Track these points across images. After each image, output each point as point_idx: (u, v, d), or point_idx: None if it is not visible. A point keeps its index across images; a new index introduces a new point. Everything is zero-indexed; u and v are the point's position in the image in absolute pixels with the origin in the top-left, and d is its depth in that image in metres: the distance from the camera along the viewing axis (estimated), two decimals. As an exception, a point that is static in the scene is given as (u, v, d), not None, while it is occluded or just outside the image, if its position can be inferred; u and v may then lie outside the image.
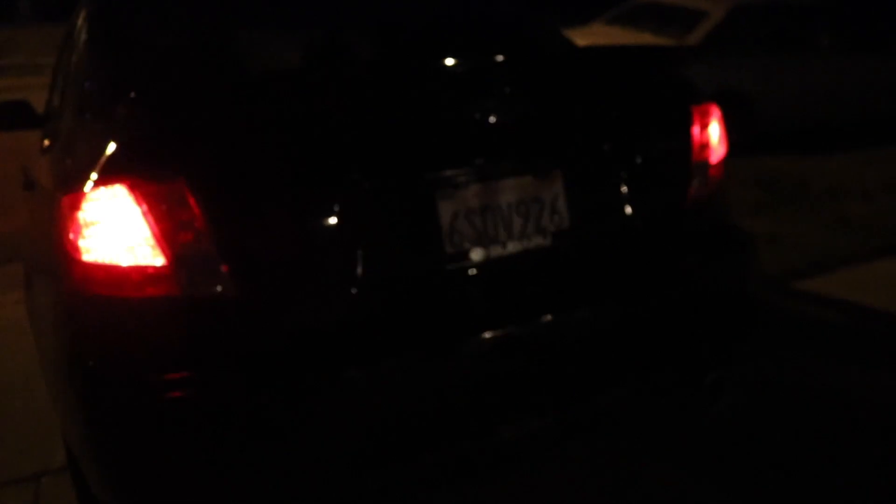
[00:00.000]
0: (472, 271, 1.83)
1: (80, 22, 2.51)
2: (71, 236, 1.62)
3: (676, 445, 2.67)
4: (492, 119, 1.84)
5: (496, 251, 1.85)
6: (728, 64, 6.92)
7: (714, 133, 2.22)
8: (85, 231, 1.60)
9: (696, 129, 2.16)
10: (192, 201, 1.58)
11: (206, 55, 2.19)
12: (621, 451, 2.61)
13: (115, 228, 1.59)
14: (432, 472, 1.85)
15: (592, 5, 9.08)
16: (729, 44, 6.98)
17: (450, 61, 1.83)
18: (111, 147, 1.63)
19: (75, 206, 1.61)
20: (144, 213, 1.57)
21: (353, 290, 1.71)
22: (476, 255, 1.83)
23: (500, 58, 1.94)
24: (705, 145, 2.19)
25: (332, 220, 1.69)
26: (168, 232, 1.58)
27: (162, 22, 2.41)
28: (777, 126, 7.31)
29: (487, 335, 1.80)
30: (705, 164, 2.20)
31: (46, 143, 2.61)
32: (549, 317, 1.88)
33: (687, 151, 2.15)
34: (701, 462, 2.57)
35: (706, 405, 2.25)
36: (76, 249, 1.62)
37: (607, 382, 2.01)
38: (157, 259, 1.59)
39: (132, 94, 1.64)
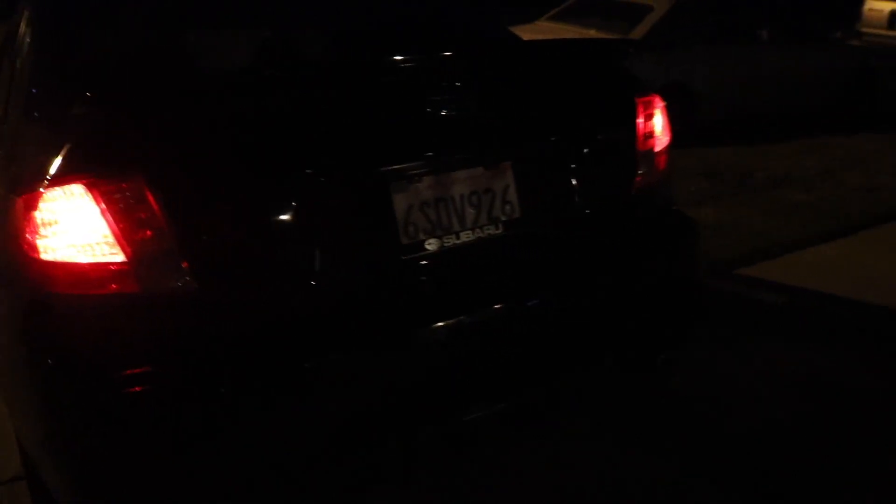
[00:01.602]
0: (428, 261, 1.87)
1: (22, 24, 2.48)
2: (28, 236, 1.62)
3: (623, 423, 2.76)
4: (443, 113, 1.89)
5: (450, 241, 1.90)
6: (672, 57, 7.08)
7: (658, 123, 2.30)
8: (42, 230, 1.61)
9: (640, 120, 2.24)
10: (150, 198, 1.60)
11: (157, 54, 2.19)
12: (583, 435, 2.70)
13: (73, 227, 1.59)
14: (396, 459, 1.90)
15: (541, 4, 9.16)
16: (673, 37, 7.13)
17: (401, 57, 1.87)
18: (66, 146, 1.64)
19: (31, 205, 1.61)
20: (102, 211, 1.59)
21: (312, 283, 1.74)
22: (431, 245, 1.88)
23: (449, 53, 1.99)
24: (650, 135, 2.27)
25: (290, 215, 1.72)
26: (127, 229, 1.59)
27: (109, 21, 2.40)
28: (720, 117, 7.50)
29: (444, 323, 1.84)
30: (650, 153, 2.27)
31: None
32: (503, 304, 1.94)
33: (632, 141, 2.22)
34: (661, 444, 2.67)
35: (657, 382, 2.32)
36: (34, 249, 1.62)
37: (562, 366, 2.08)
38: (116, 256, 1.60)
39: (84, 94, 1.63)
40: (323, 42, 2.51)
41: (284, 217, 1.71)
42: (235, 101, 1.74)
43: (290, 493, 1.80)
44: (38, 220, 1.61)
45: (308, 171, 1.75)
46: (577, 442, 2.66)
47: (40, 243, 1.61)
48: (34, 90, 2.13)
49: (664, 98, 7.01)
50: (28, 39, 2.32)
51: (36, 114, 2.00)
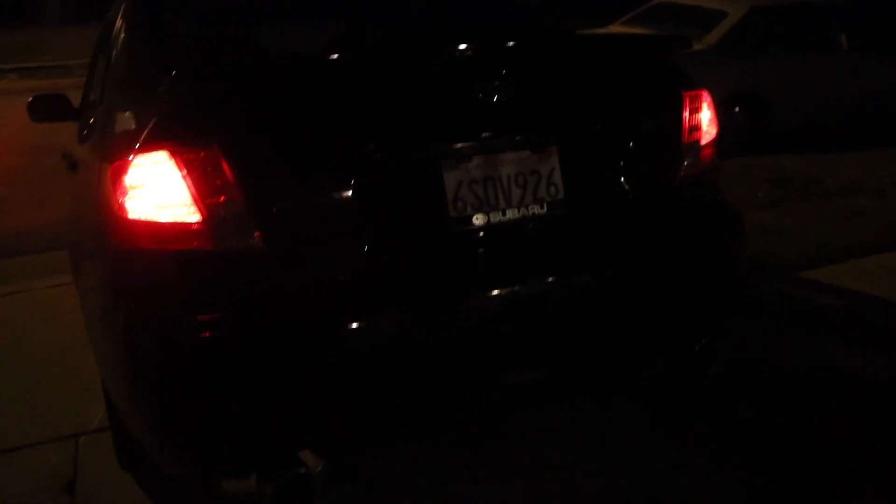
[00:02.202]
0: (474, 234, 2.02)
1: (118, 16, 2.75)
2: (118, 197, 1.85)
3: (672, 414, 2.87)
4: (494, 98, 2.04)
5: (496, 217, 2.04)
6: (745, 64, 7.06)
7: (704, 117, 2.39)
8: (130, 192, 1.83)
9: (686, 113, 2.34)
10: (225, 166, 1.80)
11: (236, 40, 2.41)
12: (614, 415, 2.83)
13: (156, 190, 1.81)
14: (438, 415, 2.05)
15: (616, 9, 9.23)
16: (747, 44, 7.10)
17: (458, 46, 2.03)
18: (153, 119, 1.86)
19: (122, 170, 1.84)
20: (183, 176, 1.80)
21: (366, 248, 1.91)
22: (478, 220, 2.02)
23: (504, 43, 2.13)
24: (696, 128, 2.36)
25: (349, 185, 1.89)
26: (203, 193, 1.80)
27: (196, 11, 2.64)
28: (793, 126, 7.42)
29: (487, 291, 1.99)
30: (696, 145, 2.37)
31: (85, 132, 2.86)
32: (543, 278, 2.07)
33: (678, 133, 2.32)
34: (693, 429, 2.77)
35: (697, 370, 2.41)
36: (122, 209, 1.84)
37: (597, 343, 2.19)
38: (193, 216, 1.81)
39: (170, 74, 1.85)
40: (390, 33, 2.68)
41: (344, 187, 1.89)
42: (304, 81, 1.93)
43: (341, 438, 1.97)
44: (127, 184, 1.83)
45: (368, 146, 1.92)
46: (608, 421, 2.80)
47: (128, 204, 1.83)
48: (127, 72, 2.38)
49: (735, 105, 7.03)
50: (123, 28, 2.57)
51: (129, 93, 2.24)
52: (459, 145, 2.02)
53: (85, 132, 2.90)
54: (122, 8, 2.74)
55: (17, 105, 4.85)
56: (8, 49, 17.09)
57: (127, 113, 2.13)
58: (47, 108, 3.47)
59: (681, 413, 2.86)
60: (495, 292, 2.00)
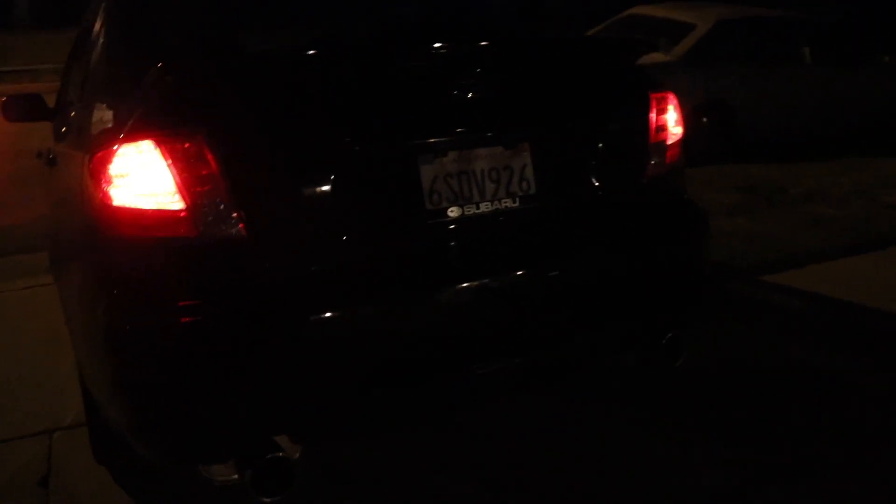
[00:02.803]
0: (450, 226, 2.09)
1: (97, 17, 2.78)
2: (102, 186, 1.89)
3: (621, 394, 3.01)
4: (469, 96, 2.11)
5: (470, 210, 2.11)
6: (713, 75, 7.23)
7: (671, 118, 2.48)
8: (115, 181, 1.87)
9: (653, 114, 2.43)
10: (209, 156, 1.85)
11: (217, 36, 2.46)
12: (579, 403, 2.94)
13: (141, 178, 1.85)
14: (413, 404, 2.10)
15: (590, 20, 9.39)
16: (714, 55, 7.27)
17: (435, 44, 2.10)
18: (139, 109, 1.91)
19: (107, 160, 1.88)
20: (167, 165, 1.84)
21: (344, 238, 1.97)
22: (453, 212, 2.09)
23: (478, 44, 2.21)
24: (662, 128, 2.45)
25: (328, 177, 1.95)
26: (187, 182, 1.85)
27: (174, 9, 2.69)
28: (759, 136, 7.60)
29: (461, 282, 2.06)
30: (662, 144, 2.46)
31: (63, 129, 2.89)
32: (516, 269, 2.15)
33: (645, 132, 2.41)
34: (662, 420, 2.87)
35: (664, 362, 2.48)
36: (106, 197, 1.88)
37: (569, 333, 2.26)
38: (177, 205, 1.85)
39: (156, 66, 1.90)
40: (366, 31, 2.74)
41: (324, 179, 1.95)
42: (286, 76, 1.99)
43: (318, 426, 2.02)
44: (112, 172, 1.87)
45: (347, 140, 1.98)
46: (572, 408, 2.91)
47: (112, 192, 1.88)
48: (109, 69, 2.42)
49: (703, 114, 7.19)
50: (102, 29, 2.61)
51: (109, 86, 2.28)
52: (435, 140, 2.09)
53: (63, 129, 2.93)
54: (102, 7, 2.77)
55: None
56: (-25, 53, 16.96)
57: (110, 106, 2.17)
58: (22, 108, 3.47)
59: (651, 407, 2.96)
60: (469, 283, 2.07)
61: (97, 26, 2.73)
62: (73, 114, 2.75)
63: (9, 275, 4.65)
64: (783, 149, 7.68)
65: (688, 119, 6.88)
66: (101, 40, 2.58)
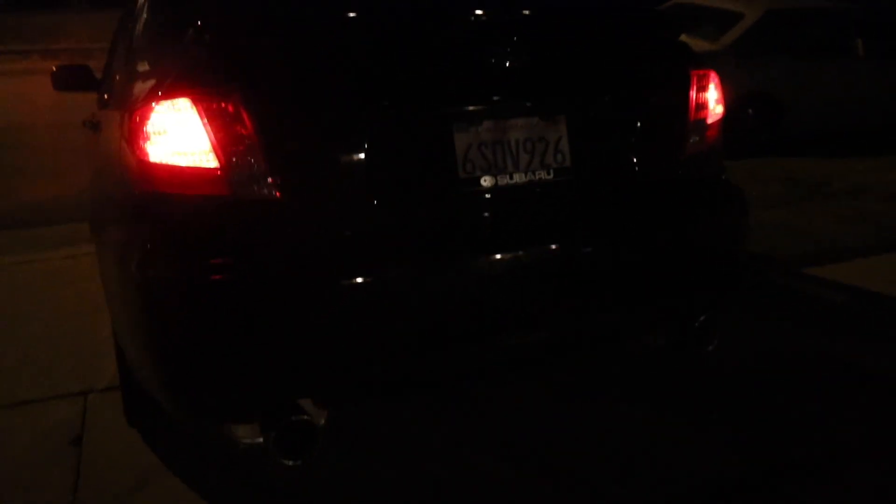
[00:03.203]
0: (482, 195, 2.08)
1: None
2: (140, 142, 1.91)
3: (648, 377, 2.96)
4: (507, 65, 2.09)
5: (504, 180, 2.10)
6: (760, 66, 7.09)
7: (711, 96, 2.44)
8: (152, 137, 1.89)
9: (693, 91, 2.38)
10: (244, 115, 1.86)
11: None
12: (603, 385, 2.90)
13: (177, 135, 1.87)
14: (438, 371, 2.10)
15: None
16: (762, 46, 7.13)
17: (474, 12, 2.09)
18: (176, 68, 1.93)
19: (145, 117, 1.90)
20: (203, 123, 1.86)
21: (375, 203, 1.97)
22: (486, 181, 2.08)
23: (517, 12, 2.19)
24: (702, 106, 2.41)
25: (363, 141, 1.95)
26: (223, 140, 1.86)
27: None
28: (805, 129, 7.44)
29: (492, 251, 2.05)
30: (702, 122, 2.42)
31: (106, 96, 2.93)
32: (547, 241, 2.13)
33: (684, 110, 2.37)
34: (689, 408, 2.83)
35: (696, 346, 2.45)
36: (143, 153, 1.91)
37: (600, 308, 2.24)
38: (211, 163, 1.87)
39: (194, 26, 1.91)
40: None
41: (358, 142, 1.95)
42: (324, 36, 1.99)
43: (344, 389, 2.03)
44: (149, 129, 1.89)
45: (382, 104, 1.98)
46: (600, 391, 2.88)
47: (149, 148, 1.90)
48: (150, 34, 2.45)
49: (749, 106, 7.06)
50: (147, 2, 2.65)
51: (150, 50, 2.31)
52: (471, 108, 2.08)
53: (106, 96, 2.98)
54: None
55: (38, 84, 4.97)
56: (32, 31, 17.33)
57: (150, 67, 2.20)
58: (70, 78, 3.55)
59: (679, 395, 2.92)
60: (500, 253, 2.06)
61: (139, 1, 2.77)
62: (116, 78, 2.79)
63: (54, 243, 4.74)
64: (830, 143, 7.53)
65: (733, 110, 6.77)
66: (145, 9, 2.62)
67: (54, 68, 3.63)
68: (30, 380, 3.09)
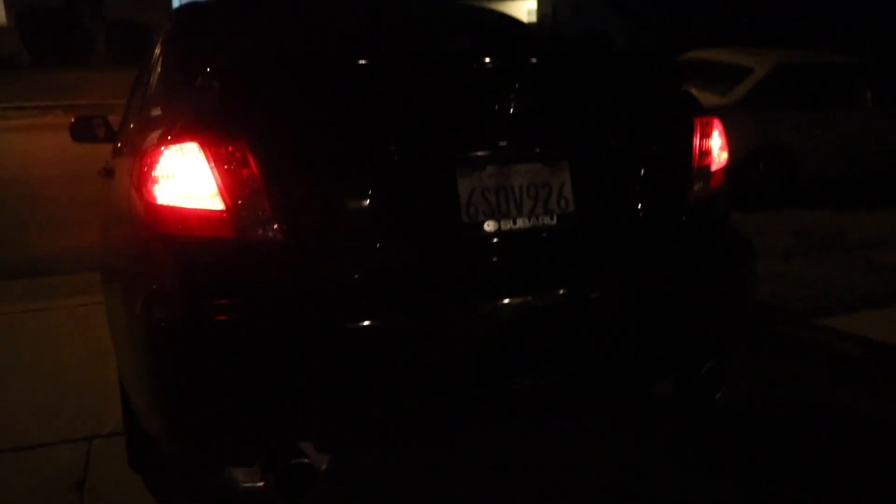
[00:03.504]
0: (486, 240, 2.09)
1: (156, 45, 2.92)
2: (149, 185, 1.95)
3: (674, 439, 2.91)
4: (511, 111, 2.12)
5: (507, 225, 2.11)
6: (770, 119, 7.14)
7: (715, 143, 2.46)
8: (161, 181, 1.93)
9: (697, 138, 2.40)
10: (251, 160, 1.90)
11: (260, 50, 2.53)
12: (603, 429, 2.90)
13: (185, 179, 1.91)
14: (440, 417, 2.08)
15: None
16: (772, 99, 7.19)
17: (480, 58, 2.13)
18: (184, 114, 1.98)
19: (154, 160, 1.95)
20: (210, 167, 1.89)
21: (379, 246, 1.98)
22: (489, 226, 2.09)
23: (523, 58, 2.23)
24: (706, 153, 2.43)
25: (367, 185, 1.98)
26: (229, 183, 1.90)
27: (229, 29, 2.79)
28: (817, 181, 7.46)
29: (495, 297, 2.05)
30: (706, 169, 2.43)
31: (119, 145, 3.00)
32: (553, 288, 2.13)
33: (688, 156, 2.39)
34: (695, 455, 2.80)
35: (703, 394, 2.42)
36: (151, 195, 1.94)
37: (605, 355, 2.22)
38: (218, 206, 1.90)
39: (203, 72, 1.96)
40: (412, 45, 2.78)
41: (362, 187, 1.97)
42: (330, 82, 2.03)
43: (346, 434, 2.01)
44: (158, 172, 1.93)
45: (386, 149, 2.01)
46: (604, 433, 2.89)
47: (157, 191, 1.93)
48: (162, 83, 2.51)
49: (760, 158, 7.09)
50: (160, 54, 2.74)
51: (161, 98, 2.37)
52: (475, 154, 2.10)
53: (119, 144, 3.04)
54: (161, 37, 2.90)
55: (59, 138, 5.07)
56: (57, 87, 17.75)
57: (161, 114, 2.25)
58: (88, 129, 3.61)
59: (684, 441, 2.90)
60: (504, 298, 2.06)
61: (156, 52, 2.85)
62: (130, 126, 2.86)
63: (67, 293, 4.79)
64: (842, 195, 7.53)
65: (744, 164, 6.83)
66: (159, 63, 2.70)
67: (73, 120, 3.70)
68: (36, 425, 3.09)
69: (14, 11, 24.34)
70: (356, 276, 1.98)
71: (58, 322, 4.32)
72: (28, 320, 4.35)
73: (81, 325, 4.21)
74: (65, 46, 23.36)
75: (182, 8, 3.02)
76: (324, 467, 2.10)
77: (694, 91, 2.60)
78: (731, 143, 2.54)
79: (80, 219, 6.25)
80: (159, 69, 2.66)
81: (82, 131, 3.62)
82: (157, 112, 2.35)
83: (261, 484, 2.05)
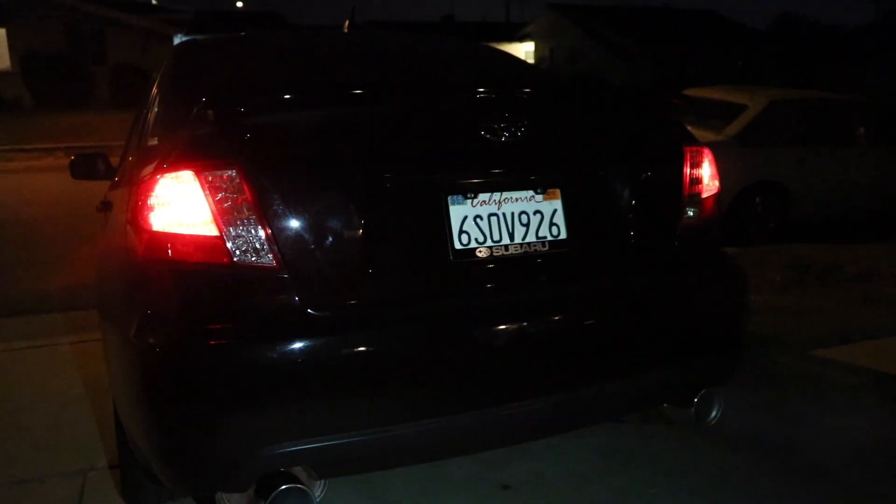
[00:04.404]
0: (478, 266, 2.11)
1: (153, 84, 2.96)
2: (144, 213, 1.97)
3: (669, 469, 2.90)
4: (501, 141, 2.15)
5: (499, 252, 2.13)
6: (765, 155, 7.22)
7: (706, 172, 2.49)
8: (156, 208, 1.96)
9: (687, 167, 2.44)
10: (245, 187, 1.93)
11: (254, 82, 2.58)
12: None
13: (180, 206, 1.93)
14: (433, 440, 2.08)
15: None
16: (766, 136, 7.27)
17: (472, 89, 2.18)
18: (179, 144, 2.01)
19: (149, 188, 1.97)
20: (205, 195, 1.92)
21: (370, 272, 2.00)
22: (481, 253, 2.11)
23: (516, 89, 2.27)
24: (696, 181, 2.46)
25: (359, 212, 2.00)
26: (224, 211, 1.92)
27: (226, 65, 2.84)
28: (813, 217, 7.51)
29: (487, 322, 2.06)
30: (697, 197, 2.46)
31: (116, 179, 3.04)
32: (545, 314, 2.14)
33: (678, 184, 2.42)
34: (689, 486, 2.79)
35: (697, 419, 2.42)
36: (146, 223, 1.96)
37: (596, 381, 2.23)
38: (212, 232, 1.92)
39: (199, 103, 2.00)
40: (403, 77, 2.83)
41: (355, 214, 2.00)
42: (322, 112, 2.07)
43: (340, 459, 2.01)
44: (154, 200, 1.96)
45: (379, 177, 2.04)
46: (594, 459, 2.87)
47: (153, 218, 1.96)
48: (158, 117, 2.55)
49: (755, 195, 7.17)
50: (158, 90, 2.78)
51: (157, 129, 2.41)
52: (467, 182, 2.13)
53: (116, 179, 3.08)
54: (158, 77, 2.96)
55: (60, 179, 5.13)
56: (59, 130, 17.95)
57: (156, 144, 2.28)
58: (87, 166, 3.64)
59: (679, 472, 2.89)
60: (496, 323, 2.07)
61: (154, 88, 2.90)
62: (128, 160, 2.89)
63: (64, 330, 4.80)
64: (838, 230, 7.57)
65: (740, 199, 6.90)
66: (157, 98, 2.74)
67: (73, 157, 3.73)
68: (31, 459, 3.08)
69: (17, 55, 24.66)
70: (351, 302, 2.00)
71: (55, 359, 4.31)
72: (26, 357, 4.35)
73: (78, 362, 4.22)
74: (67, 90, 23.61)
75: (181, 45, 3.08)
76: (318, 494, 2.09)
77: (690, 128, 2.63)
78: (727, 179, 2.58)
79: (79, 257, 6.29)
80: (157, 103, 2.70)
81: (82, 168, 3.64)
82: (153, 143, 2.39)
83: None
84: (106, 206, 3.12)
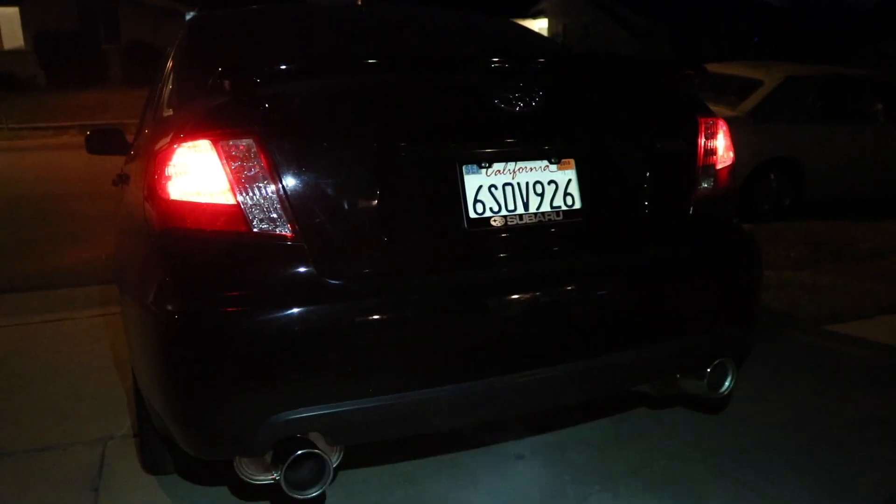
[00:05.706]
0: (492, 236, 2.12)
1: (168, 58, 2.98)
2: (161, 182, 1.99)
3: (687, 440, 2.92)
4: (517, 110, 2.15)
5: (513, 221, 2.14)
6: (780, 131, 7.16)
7: (720, 143, 2.48)
8: (174, 177, 1.98)
9: (702, 138, 2.43)
10: (262, 156, 1.94)
11: (270, 51, 2.59)
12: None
13: (198, 175, 1.95)
14: (449, 409, 2.10)
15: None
16: (782, 112, 7.22)
17: (488, 57, 2.18)
18: (196, 113, 2.02)
19: (167, 158, 1.99)
20: (222, 163, 1.94)
21: (386, 240, 2.02)
22: (496, 222, 2.12)
23: (531, 58, 2.26)
24: (711, 152, 2.45)
25: (375, 180, 2.02)
26: (240, 179, 1.94)
27: (240, 37, 2.85)
28: (828, 193, 7.46)
29: (502, 291, 2.08)
30: (711, 168, 2.46)
31: (132, 152, 3.06)
32: (558, 283, 2.15)
33: (693, 155, 2.42)
34: (702, 459, 2.81)
35: (709, 389, 2.43)
36: (164, 192, 1.99)
37: (609, 350, 2.24)
38: (230, 200, 1.94)
39: (211, 78, 2.01)
40: (423, 46, 2.83)
41: (371, 182, 2.01)
42: (339, 80, 2.08)
43: (355, 426, 2.04)
44: (171, 169, 1.98)
45: (395, 146, 2.05)
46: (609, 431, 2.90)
47: (170, 187, 1.98)
48: (174, 87, 2.56)
49: (770, 170, 7.11)
50: (172, 63, 2.79)
51: (173, 100, 2.42)
52: (481, 151, 2.14)
53: (132, 152, 3.10)
54: (174, 46, 2.96)
55: (74, 157, 5.16)
56: (72, 108, 18.04)
57: (173, 115, 2.30)
58: (103, 141, 3.66)
59: (691, 446, 2.92)
60: (510, 292, 2.09)
61: (169, 62, 2.91)
62: (144, 132, 2.91)
63: (83, 304, 4.86)
64: (853, 207, 7.53)
65: (755, 175, 6.83)
66: (172, 71, 2.75)
67: (88, 132, 3.76)
68: (52, 428, 3.13)
69: (31, 34, 24.72)
70: (366, 271, 2.02)
71: (74, 332, 4.37)
72: (45, 330, 4.40)
73: (97, 335, 4.27)
74: (80, 68, 23.67)
75: (195, 18, 3.08)
76: (336, 460, 2.12)
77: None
78: (742, 155, 2.57)
79: (95, 233, 6.36)
80: (172, 76, 2.71)
81: (98, 143, 3.66)
82: (169, 114, 2.40)
83: (272, 477, 2.07)
84: (122, 179, 3.15)
